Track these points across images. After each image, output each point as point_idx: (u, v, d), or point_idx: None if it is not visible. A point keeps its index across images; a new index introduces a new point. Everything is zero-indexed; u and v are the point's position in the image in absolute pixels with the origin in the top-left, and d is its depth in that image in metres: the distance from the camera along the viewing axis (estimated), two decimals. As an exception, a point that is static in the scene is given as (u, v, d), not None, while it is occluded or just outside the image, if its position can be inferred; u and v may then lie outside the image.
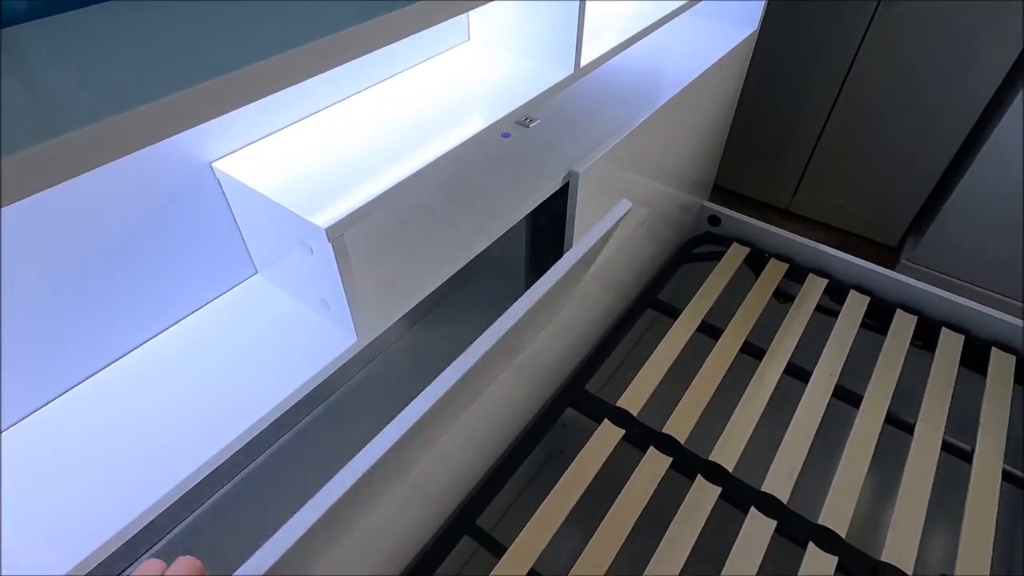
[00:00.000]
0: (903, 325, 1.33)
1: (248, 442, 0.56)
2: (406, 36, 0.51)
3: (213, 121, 0.57)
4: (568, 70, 0.75)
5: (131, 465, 0.52)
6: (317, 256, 0.57)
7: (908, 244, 1.89)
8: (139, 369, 0.61)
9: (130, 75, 0.40)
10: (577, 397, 1.21)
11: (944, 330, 1.31)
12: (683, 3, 0.93)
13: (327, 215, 0.54)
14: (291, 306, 0.67)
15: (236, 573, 0.44)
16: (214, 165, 0.61)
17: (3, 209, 0.40)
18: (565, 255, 0.75)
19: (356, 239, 0.57)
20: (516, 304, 0.67)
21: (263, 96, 0.43)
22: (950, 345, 1.28)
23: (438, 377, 0.59)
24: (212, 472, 0.54)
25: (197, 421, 0.56)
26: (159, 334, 0.64)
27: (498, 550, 0.97)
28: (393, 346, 1.00)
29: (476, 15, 0.80)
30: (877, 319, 1.38)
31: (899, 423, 1.15)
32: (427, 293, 0.70)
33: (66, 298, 0.54)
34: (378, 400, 0.90)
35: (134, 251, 0.58)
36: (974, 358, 1.27)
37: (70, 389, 0.58)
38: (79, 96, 0.37)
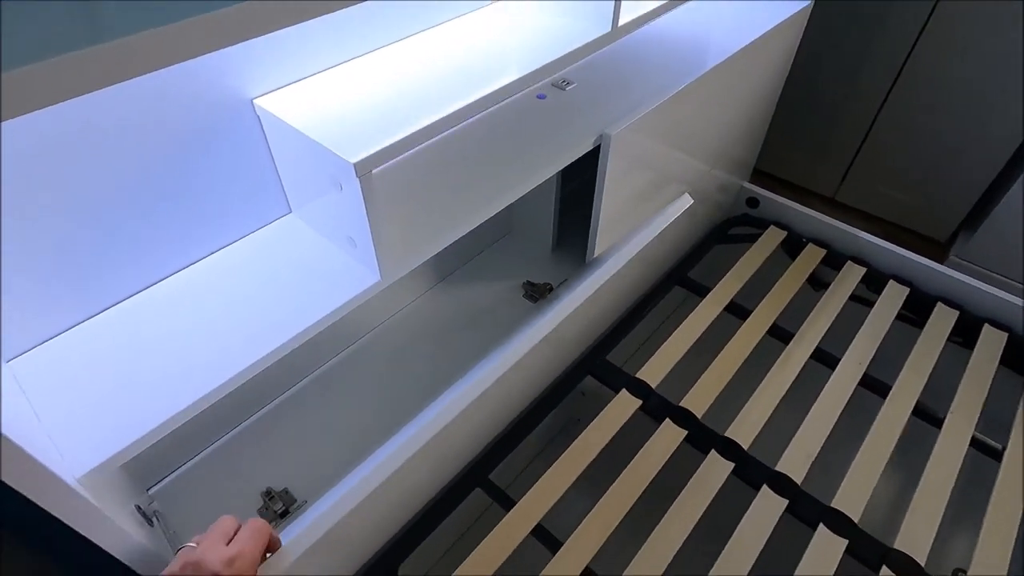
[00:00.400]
0: (942, 318, 1.28)
1: (276, 378, 0.59)
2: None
3: (256, 59, 0.60)
4: (606, 28, 0.74)
5: (166, 375, 0.56)
6: (346, 193, 0.59)
7: (959, 240, 1.81)
8: (178, 292, 0.65)
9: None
10: (597, 366, 1.21)
11: (986, 326, 1.26)
12: (731, -33, 0.91)
13: (357, 152, 0.56)
14: (320, 244, 0.70)
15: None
16: (255, 102, 0.63)
17: (67, 123, 0.43)
18: (620, 251, 0.74)
19: (385, 178, 0.59)
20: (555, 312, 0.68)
21: (303, 20, 0.44)
22: (991, 342, 1.23)
23: (479, 375, 0.61)
24: (240, 402, 0.57)
25: (226, 342, 0.59)
26: (197, 262, 0.68)
27: (508, 504, 1.00)
28: (418, 300, 1.03)
29: (517, -30, 0.81)
30: (916, 312, 1.34)
31: (927, 416, 1.12)
32: (452, 240, 0.71)
33: (119, 217, 0.58)
34: (399, 349, 0.93)
35: (179, 180, 0.61)
36: (1017, 357, 1.22)
37: (116, 304, 0.63)
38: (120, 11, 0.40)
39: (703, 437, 1.08)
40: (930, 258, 1.36)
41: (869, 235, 1.39)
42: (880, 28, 1.65)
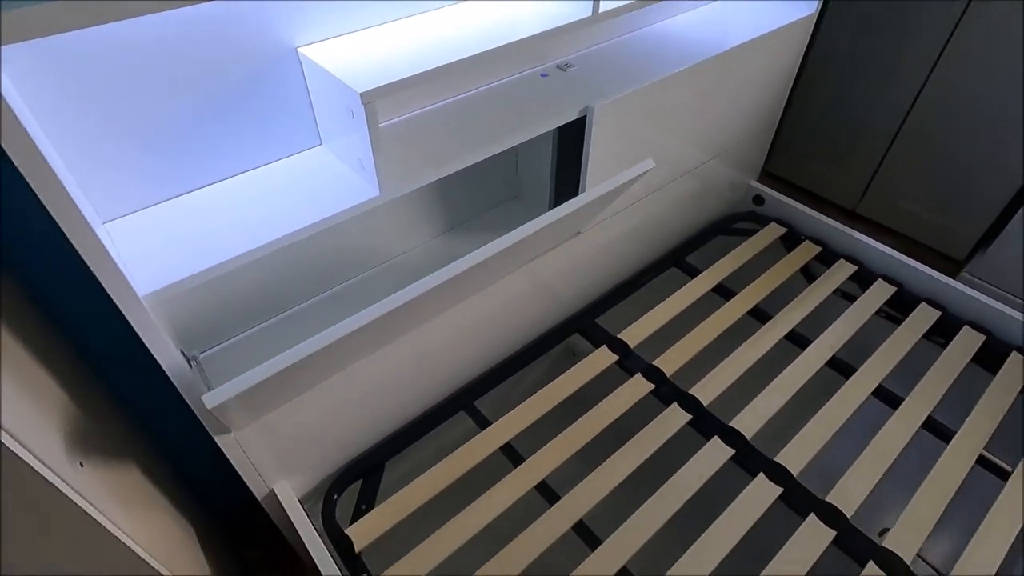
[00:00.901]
0: (923, 318, 1.34)
1: (301, 286, 0.77)
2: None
3: (302, 15, 0.79)
4: (587, 12, 0.90)
5: (212, 243, 0.76)
6: (356, 119, 0.77)
7: (975, 259, 1.82)
8: (231, 190, 0.84)
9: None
10: (585, 325, 1.35)
11: (965, 327, 1.31)
12: (717, -29, 1.04)
13: (366, 86, 0.74)
14: (340, 167, 0.88)
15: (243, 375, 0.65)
16: (299, 50, 0.82)
17: (161, 51, 0.63)
18: (580, 196, 0.89)
19: (387, 109, 0.77)
20: (527, 224, 0.83)
21: None
22: (966, 344, 1.28)
23: (452, 263, 0.77)
24: (272, 301, 0.76)
25: (259, 225, 0.78)
26: (248, 171, 0.88)
27: (485, 426, 1.15)
28: (424, 245, 1.20)
29: (525, -36, 0.97)
30: (898, 309, 1.40)
31: (937, 429, 1.15)
32: (445, 174, 0.88)
33: (193, 127, 0.79)
34: (404, 280, 1.10)
35: (239, 106, 0.81)
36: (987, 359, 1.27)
37: (186, 193, 0.83)
38: None
39: (667, 393, 1.20)
40: (945, 274, 1.38)
41: (861, 235, 1.47)
42: (904, 43, 1.71)
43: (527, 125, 0.96)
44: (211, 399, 0.64)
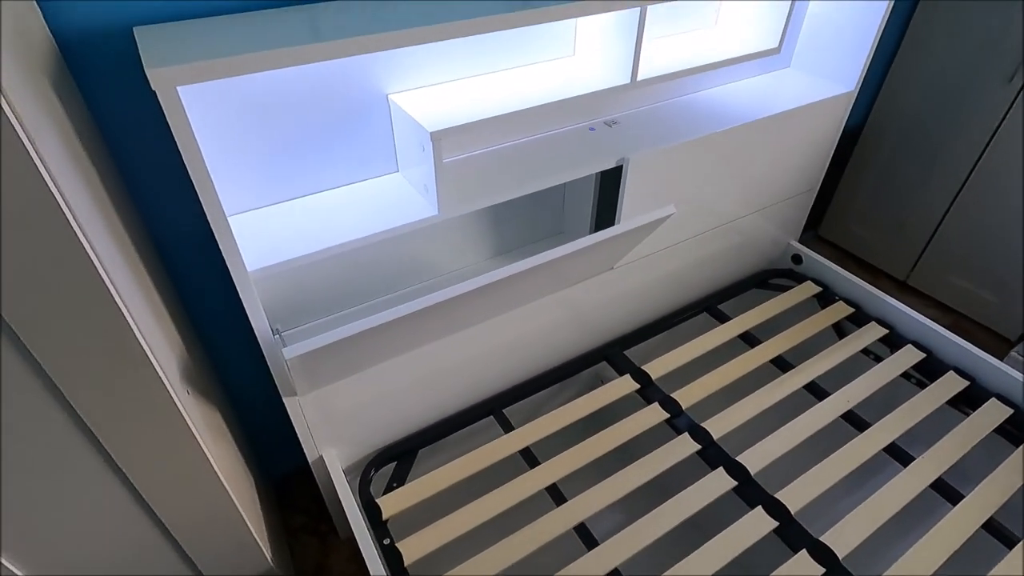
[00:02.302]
0: (948, 385, 1.36)
1: (368, 288, 0.97)
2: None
3: (395, 69, 1.01)
4: (626, 79, 1.07)
5: (307, 237, 0.96)
6: (425, 153, 0.97)
7: (1029, 340, 1.79)
8: (326, 200, 1.06)
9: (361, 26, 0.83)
10: (614, 355, 1.47)
11: (992, 399, 1.32)
12: (749, 52, 1.19)
13: (435, 126, 0.93)
14: (410, 190, 1.08)
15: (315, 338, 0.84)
16: (389, 96, 1.04)
17: (287, 91, 0.86)
18: (605, 230, 1.05)
19: (453, 147, 0.96)
20: (559, 247, 1.00)
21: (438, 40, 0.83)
22: (991, 415, 1.30)
23: (493, 271, 0.95)
24: (344, 297, 0.96)
25: (343, 227, 0.98)
26: (340, 187, 1.09)
27: (509, 429, 1.29)
28: (475, 264, 1.38)
29: (581, 37, 1.16)
30: (927, 376, 1.42)
31: (948, 492, 1.17)
32: (496, 202, 1.06)
33: (304, 148, 1.01)
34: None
35: (339, 135, 1.03)
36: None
37: (291, 200, 1.05)
38: (331, 31, 0.81)
39: (680, 422, 1.29)
40: (995, 354, 1.39)
41: (894, 300, 1.51)
42: (960, 119, 1.77)
43: (570, 168, 1.13)
44: (291, 351, 0.82)
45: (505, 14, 0.87)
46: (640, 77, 1.08)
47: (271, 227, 1.00)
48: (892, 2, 1.30)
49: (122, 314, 0.64)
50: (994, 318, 1.90)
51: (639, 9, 0.99)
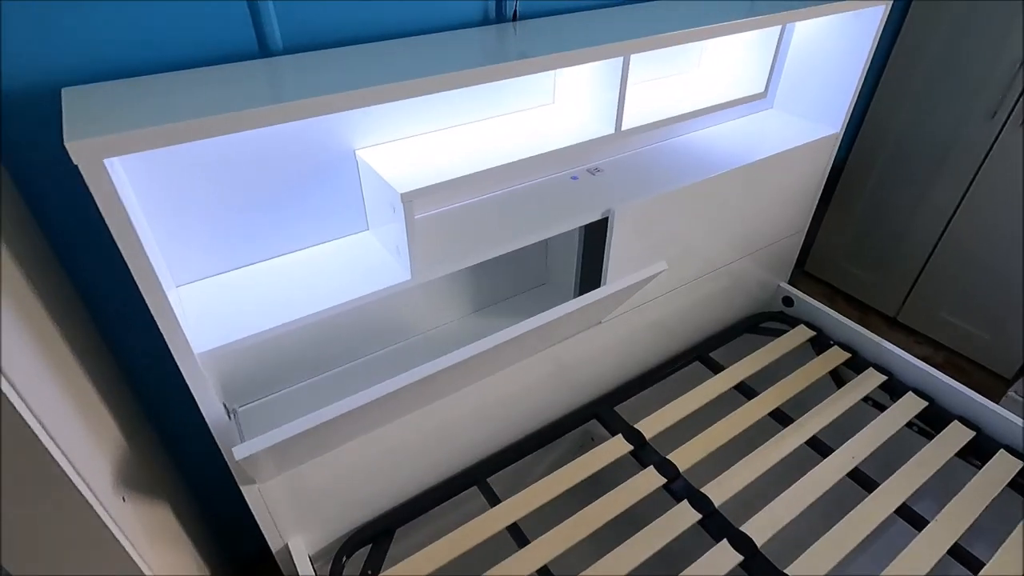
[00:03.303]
0: (955, 436, 1.30)
1: (335, 353, 0.87)
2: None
3: (362, 124, 0.93)
4: (611, 129, 1.01)
5: (263, 311, 0.87)
6: (396, 214, 0.89)
7: (1025, 379, 1.75)
8: (289, 264, 0.97)
9: (325, 84, 0.75)
10: (604, 412, 1.38)
11: (1001, 452, 1.26)
12: (736, 98, 1.15)
13: (407, 187, 0.86)
14: (381, 251, 1.00)
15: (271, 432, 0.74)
16: (357, 152, 0.96)
17: (236, 147, 0.77)
18: (594, 291, 0.98)
19: (427, 204, 0.88)
20: (543, 314, 0.92)
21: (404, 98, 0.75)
22: (1001, 468, 1.23)
23: (476, 343, 0.86)
24: (309, 365, 0.86)
25: (315, 294, 0.89)
26: (304, 249, 1.00)
27: (495, 503, 1.18)
28: (455, 322, 1.29)
29: (560, 84, 1.10)
30: (931, 424, 1.36)
31: (965, 557, 1.10)
32: (472, 263, 0.98)
33: (262, 210, 0.92)
34: (433, 353, 1.19)
35: (303, 193, 0.95)
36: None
37: (247, 265, 0.96)
38: (294, 91, 0.73)
39: (679, 488, 1.20)
40: (992, 393, 1.36)
41: (892, 345, 1.46)
42: (943, 157, 1.75)
43: (553, 223, 1.06)
44: (240, 451, 0.72)
45: (484, 67, 0.80)
46: (625, 126, 1.01)
47: (228, 297, 0.90)
48: (875, 45, 1.27)
49: (34, 434, 0.54)
50: (987, 355, 1.86)
51: (622, 58, 0.93)
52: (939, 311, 1.92)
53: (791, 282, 1.70)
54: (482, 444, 1.27)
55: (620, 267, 1.19)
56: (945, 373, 1.39)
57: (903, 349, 1.48)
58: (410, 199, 0.85)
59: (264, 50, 0.85)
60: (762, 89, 1.17)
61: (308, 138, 0.91)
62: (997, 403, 1.34)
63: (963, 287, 1.84)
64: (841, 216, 2.08)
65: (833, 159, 1.46)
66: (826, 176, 1.49)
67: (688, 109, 1.09)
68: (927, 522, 1.14)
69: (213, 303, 0.89)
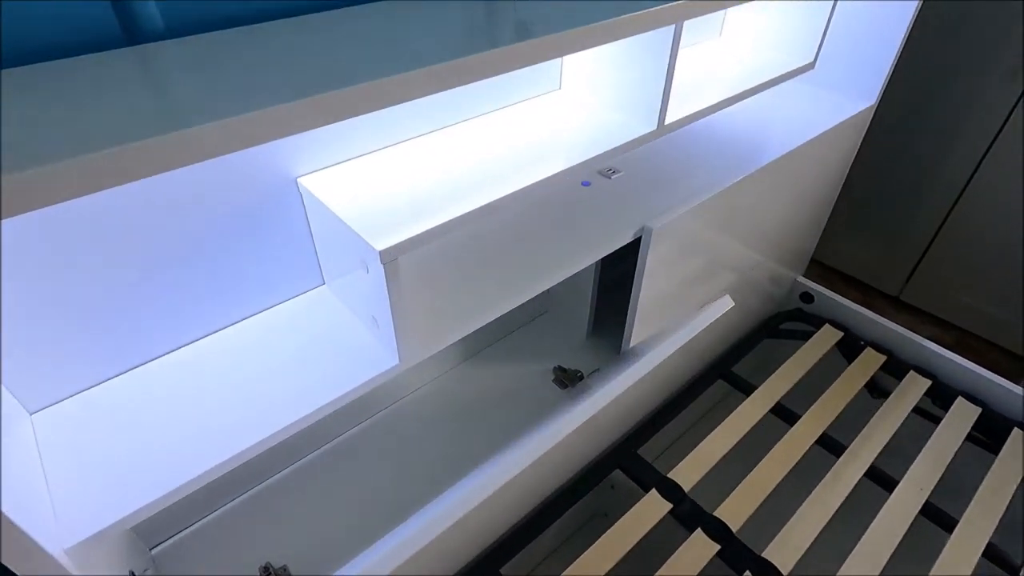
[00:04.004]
0: (1019, 447, 1.15)
1: (290, 445, 0.58)
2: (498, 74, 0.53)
3: (303, 141, 0.62)
4: (651, 126, 0.74)
5: (173, 445, 0.56)
6: (372, 275, 0.60)
7: (1042, 356, 1.65)
8: (205, 355, 0.66)
9: (244, 89, 0.44)
10: (627, 460, 1.15)
11: (1074, 463, 1.12)
12: (784, 72, 0.90)
13: (385, 239, 0.56)
14: (347, 319, 0.70)
15: None
16: (299, 180, 0.65)
17: (118, 199, 0.45)
18: (655, 350, 0.72)
19: (411, 265, 0.59)
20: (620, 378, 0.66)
21: (358, 114, 0.46)
22: (1079, 481, 1.09)
23: (500, 464, 0.59)
24: (252, 469, 0.56)
25: (238, 415, 0.59)
26: (230, 326, 0.69)
27: (517, 605, 0.93)
28: (445, 375, 1.01)
29: (569, 64, 0.82)
30: (988, 434, 1.21)
31: (1001, 560, 0.99)
32: (477, 327, 0.70)
33: (156, 278, 0.60)
34: (419, 425, 0.91)
35: (221, 247, 0.63)
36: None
37: (146, 363, 0.64)
38: (199, 103, 0.42)
39: (737, 556, 0.99)
40: (1007, 372, 1.24)
41: (935, 345, 1.29)
42: (960, 121, 1.59)
43: (573, 255, 0.80)
44: None
45: (487, 52, 0.51)
46: (668, 119, 0.75)
47: (119, 425, 0.59)
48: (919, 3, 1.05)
49: None
50: (999, 333, 1.75)
51: (673, 27, 0.66)
52: (947, 289, 1.79)
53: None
54: (490, 534, 1.01)
55: (652, 295, 0.94)
56: (956, 352, 1.25)
57: (910, 329, 1.32)
58: (393, 257, 0.56)
59: (131, 34, 0.52)
60: (811, 59, 0.93)
61: (223, 169, 0.59)
62: (1017, 383, 1.21)
63: (973, 263, 1.71)
64: (841, 192, 1.90)
65: (864, 134, 1.25)
66: (855, 154, 1.28)
67: (734, 89, 0.83)
68: (956, 521, 0.98)
69: (92, 442, 0.57)
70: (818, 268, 2.06)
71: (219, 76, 0.47)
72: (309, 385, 0.62)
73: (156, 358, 0.65)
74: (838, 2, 0.90)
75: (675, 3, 0.62)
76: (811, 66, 0.95)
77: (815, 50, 0.93)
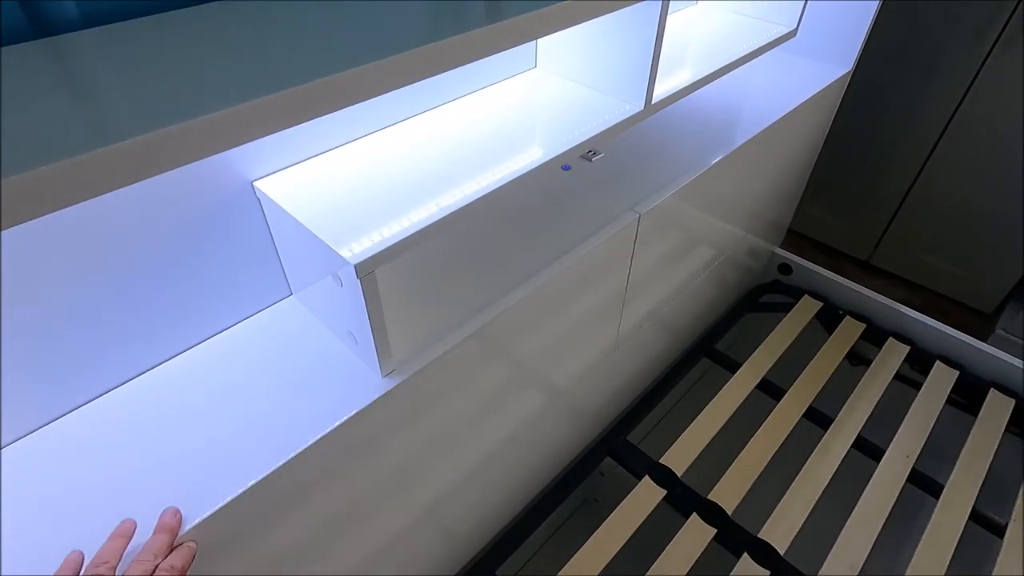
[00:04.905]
0: (997, 407, 1.17)
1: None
2: (467, 63, 0.47)
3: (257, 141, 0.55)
4: (639, 106, 0.69)
5: (123, 497, 0.50)
6: (347, 289, 0.54)
7: (1006, 313, 1.69)
8: (166, 384, 0.59)
9: (181, 89, 0.37)
10: (618, 447, 1.13)
11: (1048, 418, 1.15)
12: (768, 41, 0.86)
13: (359, 249, 0.50)
14: (321, 334, 0.64)
15: None
16: (255, 184, 0.58)
17: (53, 217, 0.38)
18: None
19: (389, 277, 0.53)
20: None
21: (316, 116, 0.39)
22: (1054, 437, 1.12)
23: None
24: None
25: (211, 451, 0.53)
26: (189, 349, 0.62)
27: (517, 607, 0.91)
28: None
29: (544, 41, 0.76)
30: (967, 397, 1.23)
31: (986, 521, 1.01)
32: (463, 337, 0.65)
33: (111, 302, 0.53)
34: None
35: (174, 262, 0.56)
36: (1083, 455, 1.10)
37: (100, 396, 0.57)
38: (127, 109, 0.35)
39: (734, 538, 0.98)
40: (973, 331, 1.26)
41: (913, 311, 1.30)
42: (926, 86, 1.59)
43: (562, 248, 0.75)
44: None
45: (456, 37, 0.45)
46: (656, 97, 0.70)
47: (62, 473, 0.52)
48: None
49: None
50: (965, 292, 1.79)
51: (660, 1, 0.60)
52: (915, 252, 1.82)
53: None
54: (484, 531, 0.98)
55: (637, 283, 0.90)
56: (926, 314, 1.27)
57: (880, 293, 1.33)
58: (370, 270, 0.50)
59: (39, 24, 0.44)
60: (794, 26, 0.89)
61: (171, 176, 0.52)
62: (985, 341, 1.23)
63: (939, 225, 1.73)
64: (807, 158, 1.90)
65: (840, 102, 1.23)
66: (831, 122, 1.26)
67: (722, 63, 0.78)
68: (942, 487, 1.01)
69: (38, 485, 0.50)
70: (790, 236, 2.07)
71: (151, 74, 0.40)
72: (282, 423, 0.56)
73: (116, 387, 0.58)
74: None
75: (663, -29, 0.56)
76: (793, 34, 0.91)
77: (797, 16, 0.89)
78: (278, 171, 0.60)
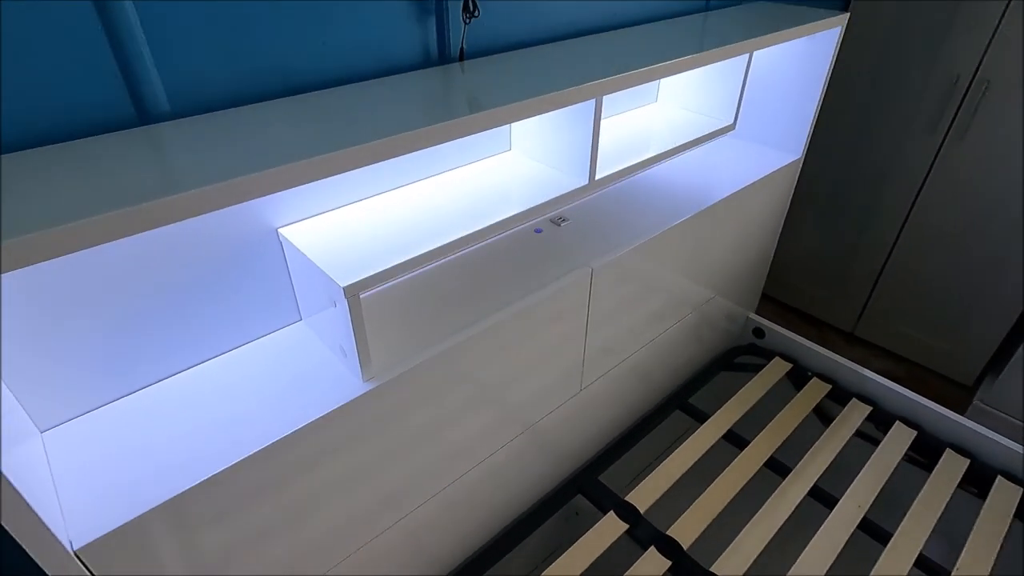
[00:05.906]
0: (952, 465, 1.24)
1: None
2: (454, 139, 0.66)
3: (284, 196, 0.74)
4: (583, 181, 0.87)
5: (162, 466, 0.65)
6: (339, 310, 0.70)
7: (984, 384, 1.76)
8: (194, 383, 0.75)
9: (233, 161, 0.56)
10: (588, 484, 1.23)
11: (999, 478, 1.21)
12: (709, 132, 1.04)
13: (349, 277, 0.67)
14: (321, 351, 0.80)
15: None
16: (279, 231, 0.77)
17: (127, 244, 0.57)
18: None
19: (373, 300, 0.70)
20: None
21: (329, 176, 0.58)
22: (1004, 495, 1.18)
23: None
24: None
25: (225, 435, 0.68)
26: (218, 356, 0.79)
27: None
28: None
29: (516, 129, 0.96)
30: (924, 455, 1.30)
31: (931, 569, 1.07)
32: (438, 352, 0.80)
33: (158, 314, 0.71)
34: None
35: (209, 288, 0.74)
36: (1032, 514, 1.16)
37: (143, 388, 0.74)
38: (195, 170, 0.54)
39: (688, 571, 1.06)
40: (953, 403, 1.33)
41: (873, 374, 1.40)
42: (889, 169, 1.75)
43: (523, 288, 0.91)
44: None
45: (430, 127, 0.64)
46: (599, 174, 0.88)
47: (123, 440, 0.68)
48: (831, 68, 1.22)
49: None
50: (946, 365, 1.86)
51: (594, 100, 0.79)
52: (896, 324, 1.91)
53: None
54: (447, 555, 1.08)
55: (598, 330, 1.05)
56: (906, 386, 1.35)
57: (862, 364, 1.43)
58: (355, 292, 0.67)
59: (144, 114, 0.65)
60: (731, 121, 1.08)
61: (216, 220, 0.71)
62: (963, 414, 1.30)
63: (916, 299, 1.84)
64: (793, 234, 2.05)
65: (795, 185, 1.40)
66: (789, 201, 1.42)
67: (661, 149, 0.97)
68: (890, 535, 1.05)
69: (103, 451, 0.66)
70: (775, 307, 2.19)
71: (215, 150, 0.59)
72: (279, 415, 0.71)
73: (154, 383, 0.75)
74: (748, 74, 1.05)
75: (592, 83, 0.76)
76: (731, 127, 1.09)
77: (733, 113, 1.08)
78: (296, 221, 0.79)
